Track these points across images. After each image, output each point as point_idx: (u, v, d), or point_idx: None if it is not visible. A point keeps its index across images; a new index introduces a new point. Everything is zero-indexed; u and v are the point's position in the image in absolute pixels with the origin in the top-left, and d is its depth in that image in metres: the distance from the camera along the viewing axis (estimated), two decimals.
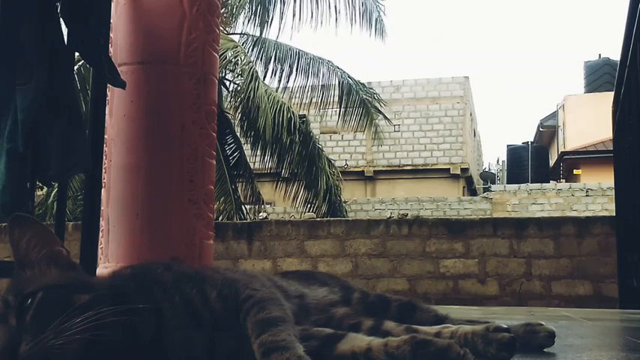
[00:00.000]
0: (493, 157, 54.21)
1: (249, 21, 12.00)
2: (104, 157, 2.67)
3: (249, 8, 11.98)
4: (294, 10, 11.82)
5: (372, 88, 13.50)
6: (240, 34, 12.63)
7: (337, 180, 12.50)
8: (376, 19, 12.30)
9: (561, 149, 22.25)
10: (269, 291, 1.18)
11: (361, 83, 12.49)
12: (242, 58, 11.44)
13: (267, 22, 11.80)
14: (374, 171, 20.43)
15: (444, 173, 20.02)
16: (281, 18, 11.88)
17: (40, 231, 0.99)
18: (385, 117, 12.85)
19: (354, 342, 1.17)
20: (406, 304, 1.60)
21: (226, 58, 10.92)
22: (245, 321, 1.07)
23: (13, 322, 0.85)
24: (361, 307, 1.52)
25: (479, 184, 22.96)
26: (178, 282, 1.09)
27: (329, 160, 12.54)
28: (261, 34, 11.89)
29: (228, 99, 12.22)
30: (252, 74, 11.23)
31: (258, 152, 11.77)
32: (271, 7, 11.81)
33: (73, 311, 0.87)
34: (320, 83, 12.08)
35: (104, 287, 1.02)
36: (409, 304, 1.61)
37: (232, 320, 1.09)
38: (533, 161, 22.36)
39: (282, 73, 11.93)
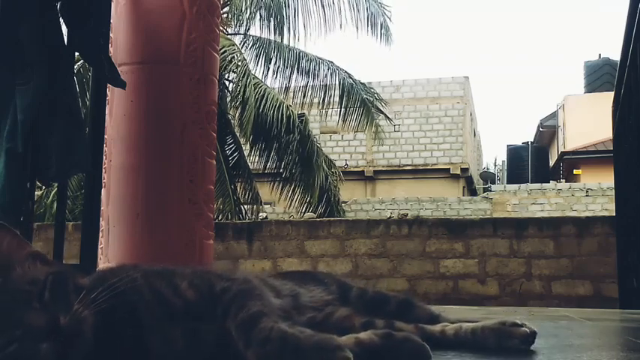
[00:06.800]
0: (493, 157, 54.24)
1: (262, 27, 12.18)
2: (104, 157, 2.67)
3: (262, 15, 12.10)
4: (305, 18, 12.03)
5: (372, 88, 13.50)
6: (243, 34, 12.63)
7: (336, 180, 12.47)
8: (381, 24, 12.33)
9: (561, 149, 22.24)
10: (244, 279, 1.19)
11: (362, 83, 12.48)
12: (237, 56, 11.45)
13: (281, 29, 11.95)
14: (374, 171, 20.42)
15: (444, 173, 20.01)
16: (291, 24, 12.00)
17: (16, 235, 1.06)
18: (386, 116, 12.83)
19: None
20: (404, 300, 1.61)
21: (226, 59, 10.93)
22: (226, 321, 1.07)
23: (37, 305, 0.95)
24: (360, 303, 1.52)
25: (479, 184, 22.95)
26: (145, 276, 1.11)
27: (329, 160, 12.52)
28: (281, 40, 12.06)
29: (228, 99, 12.22)
30: (245, 71, 11.26)
31: (256, 151, 11.80)
32: (285, 15, 11.96)
33: (84, 290, 0.99)
34: (320, 83, 12.09)
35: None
36: (407, 301, 1.61)
37: (210, 312, 1.09)
38: (533, 161, 22.36)
39: (282, 73, 11.96)
